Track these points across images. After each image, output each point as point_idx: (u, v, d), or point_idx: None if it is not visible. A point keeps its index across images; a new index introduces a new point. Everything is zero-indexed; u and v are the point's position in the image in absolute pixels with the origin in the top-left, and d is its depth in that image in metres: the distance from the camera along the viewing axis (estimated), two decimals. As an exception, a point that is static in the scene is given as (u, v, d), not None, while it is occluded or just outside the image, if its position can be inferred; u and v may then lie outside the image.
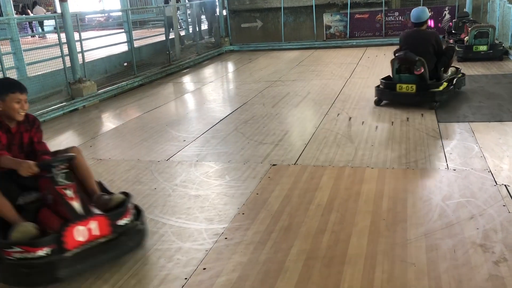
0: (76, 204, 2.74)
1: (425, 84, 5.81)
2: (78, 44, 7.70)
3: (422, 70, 5.69)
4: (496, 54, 8.78)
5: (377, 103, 6.16)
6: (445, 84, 5.98)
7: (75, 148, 3.17)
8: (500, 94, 6.34)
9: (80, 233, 2.66)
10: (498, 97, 6.18)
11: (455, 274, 2.53)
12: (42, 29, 19.59)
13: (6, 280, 2.69)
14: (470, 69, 8.13)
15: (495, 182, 3.62)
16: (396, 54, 6.07)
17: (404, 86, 5.86)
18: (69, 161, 2.91)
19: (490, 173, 3.79)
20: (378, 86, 6.23)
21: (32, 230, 2.67)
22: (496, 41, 9.04)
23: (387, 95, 6.13)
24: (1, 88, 2.94)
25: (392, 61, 6.09)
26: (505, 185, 3.55)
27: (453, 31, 10.50)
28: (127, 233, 2.86)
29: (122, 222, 2.85)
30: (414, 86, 5.79)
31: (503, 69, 8.01)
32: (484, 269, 2.56)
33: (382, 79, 6.28)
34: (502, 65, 8.34)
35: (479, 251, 2.72)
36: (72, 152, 3.05)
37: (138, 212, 3.06)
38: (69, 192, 2.74)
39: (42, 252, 2.56)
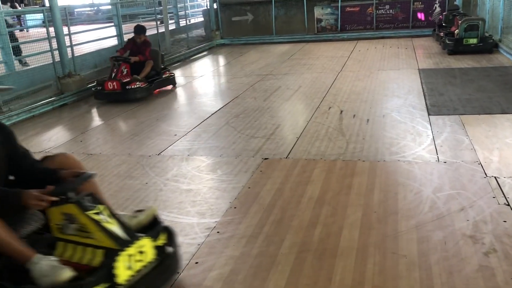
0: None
1: None
2: (67, 38, 7.62)
3: None
4: (486, 47, 8.83)
5: None
6: None
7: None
8: (490, 86, 6.38)
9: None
10: (488, 89, 6.23)
11: (445, 265, 2.55)
12: (20, 24, 19.19)
13: None
14: (460, 62, 8.18)
15: (485, 174, 3.65)
16: None
17: None
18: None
19: (480, 165, 3.82)
20: None
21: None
22: (486, 34, 9.10)
23: None
24: None
25: None
26: (494, 177, 3.57)
27: (443, 24, 10.54)
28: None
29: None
30: None
31: (493, 62, 8.06)
32: (474, 260, 2.58)
33: None
34: (492, 58, 8.39)
35: (469, 243, 2.74)
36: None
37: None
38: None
39: None
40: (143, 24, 8.01)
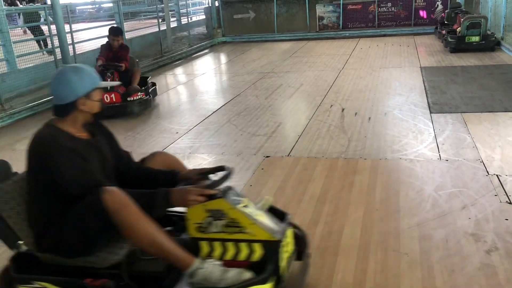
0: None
1: None
2: (68, 36, 7.62)
3: None
4: (488, 45, 8.82)
5: None
6: None
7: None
8: (492, 85, 6.37)
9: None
10: (490, 87, 6.21)
11: (447, 263, 2.55)
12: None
13: None
14: (462, 60, 8.16)
15: (487, 172, 3.65)
16: None
17: None
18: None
19: (482, 163, 3.81)
20: None
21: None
22: (488, 32, 9.08)
23: None
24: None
25: None
26: (496, 175, 3.57)
27: (445, 22, 10.52)
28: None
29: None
30: None
31: (495, 60, 8.05)
32: (476, 258, 2.58)
33: None
34: (494, 56, 8.38)
35: (471, 241, 2.74)
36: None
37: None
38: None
39: None
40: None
